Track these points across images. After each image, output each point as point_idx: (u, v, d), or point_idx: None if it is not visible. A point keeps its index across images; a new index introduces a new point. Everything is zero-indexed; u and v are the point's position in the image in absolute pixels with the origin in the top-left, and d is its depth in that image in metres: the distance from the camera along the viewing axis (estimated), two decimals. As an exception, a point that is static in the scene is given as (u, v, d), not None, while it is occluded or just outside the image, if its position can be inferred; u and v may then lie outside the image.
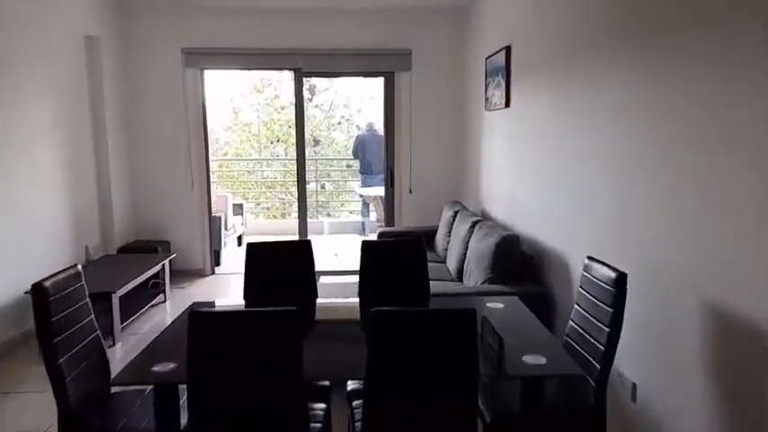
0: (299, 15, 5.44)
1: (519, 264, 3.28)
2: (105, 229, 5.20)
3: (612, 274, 2.01)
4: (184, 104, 5.51)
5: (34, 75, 4.16)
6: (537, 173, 3.52)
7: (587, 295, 2.17)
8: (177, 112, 5.53)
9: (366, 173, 8.08)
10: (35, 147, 4.20)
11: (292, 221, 7.23)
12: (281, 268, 2.62)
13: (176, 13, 5.39)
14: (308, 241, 2.70)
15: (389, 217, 5.91)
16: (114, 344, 3.92)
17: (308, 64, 5.57)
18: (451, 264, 4.15)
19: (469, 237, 3.86)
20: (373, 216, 8.06)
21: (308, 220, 6.19)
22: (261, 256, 2.62)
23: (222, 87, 10.23)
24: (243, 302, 2.65)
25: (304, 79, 5.79)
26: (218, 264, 6.19)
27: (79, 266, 2.19)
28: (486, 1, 4.82)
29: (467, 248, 3.86)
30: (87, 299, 2.22)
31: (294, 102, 5.76)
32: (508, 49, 4.02)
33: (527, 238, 3.62)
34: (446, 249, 4.48)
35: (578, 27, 2.86)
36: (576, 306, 2.27)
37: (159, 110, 5.56)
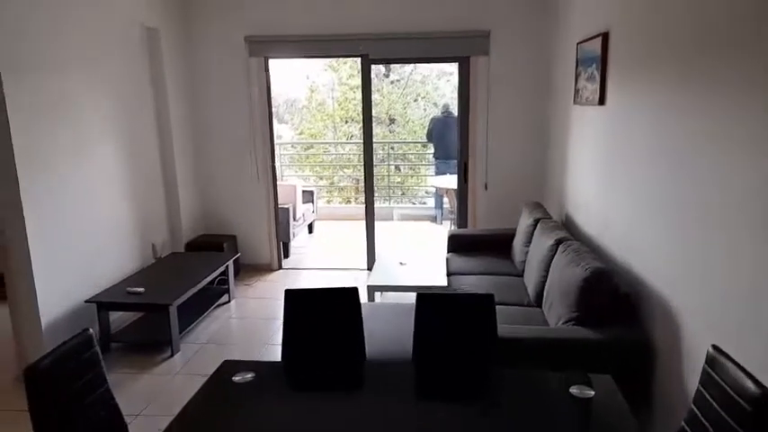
0: (366, -3, 5.02)
1: (610, 301, 2.77)
2: (173, 225, 5.17)
3: (754, 390, 1.44)
4: (248, 94, 5.31)
5: (97, 68, 4.07)
6: (636, 190, 2.94)
7: (711, 402, 1.61)
8: (242, 102, 5.34)
9: (440, 158, 7.62)
10: (102, 142, 4.16)
11: (362, 206, 6.98)
12: (324, 321, 2.31)
13: (239, 0, 5.14)
14: (354, 290, 2.35)
15: (462, 215, 5.46)
16: (173, 354, 3.86)
17: (376, 50, 5.15)
18: (530, 282, 3.68)
19: (552, 257, 3.37)
20: (447, 203, 7.62)
21: (379, 204, 5.87)
22: (301, 305, 2.32)
23: (297, 66, 10.05)
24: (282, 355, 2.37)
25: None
26: (286, 255, 6.08)
27: (90, 331, 1.95)
28: (578, -27, 4.14)
29: (548, 270, 3.37)
30: (105, 380, 1.96)
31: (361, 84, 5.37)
32: (605, 36, 3.38)
33: (619, 265, 3.07)
34: (524, 262, 4.01)
35: (715, 15, 2.22)
36: (693, 408, 1.70)
37: (223, 101, 5.40)
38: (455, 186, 6.13)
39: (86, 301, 3.82)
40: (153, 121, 4.89)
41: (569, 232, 3.68)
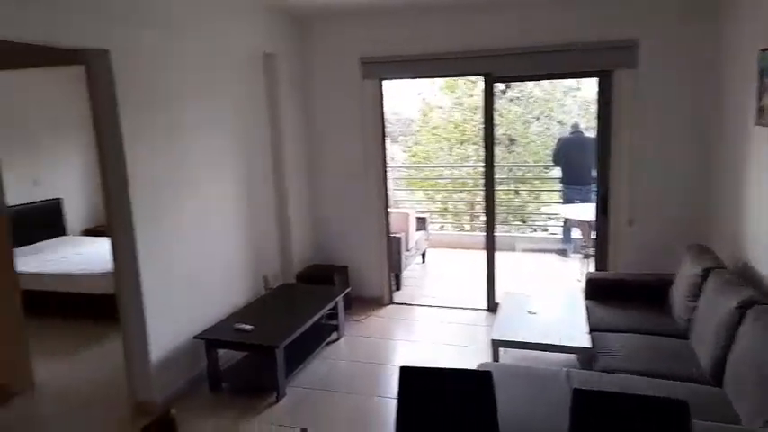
0: (487, 11, 4.54)
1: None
2: (284, 255, 5.01)
3: None
4: (361, 119, 5.04)
5: (215, 98, 4.02)
6: None
7: None
8: (354, 127, 5.09)
9: (569, 183, 6.87)
10: (217, 171, 4.08)
11: (479, 235, 6.45)
12: (448, 407, 1.84)
13: (354, 21, 4.91)
14: (488, 374, 1.86)
15: (600, 254, 4.70)
16: (279, 399, 3.59)
17: (500, 67, 4.64)
18: (702, 349, 2.94)
19: (737, 323, 2.63)
20: (576, 233, 6.82)
21: (497, 233, 5.30)
22: (419, 386, 1.87)
23: (410, 86, 9.78)
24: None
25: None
26: (398, 287, 5.71)
27: (173, 411, 1.66)
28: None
29: (731, 339, 2.64)
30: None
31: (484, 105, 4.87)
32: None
33: None
34: (690, 321, 3.25)
35: None
36: None
37: (336, 126, 5.19)
38: (589, 218, 5.41)
39: (195, 338, 3.69)
40: (268, 149, 4.78)
41: (755, 289, 2.89)
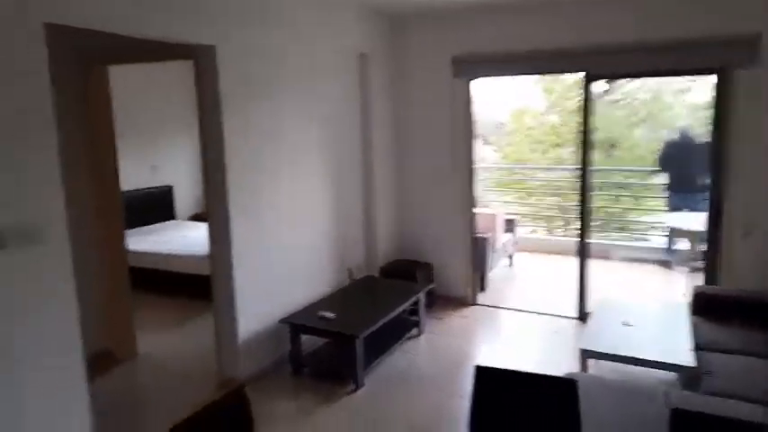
0: (584, 3, 4.31)
1: None
2: (369, 248, 5.06)
3: None
4: (451, 118, 4.98)
5: (313, 93, 4.16)
6: None
7: None
8: (443, 126, 5.04)
9: (676, 190, 6.37)
10: (309, 165, 4.20)
11: (571, 240, 6.15)
12: (525, 413, 1.75)
13: (448, 20, 4.85)
14: (573, 382, 1.74)
15: (711, 268, 4.28)
16: (357, 388, 3.63)
17: (599, 64, 4.38)
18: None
19: None
20: (682, 244, 6.30)
21: (591, 240, 5.01)
22: (496, 388, 1.79)
23: (503, 87, 9.54)
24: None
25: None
26: (483, 288, 5.57)
27: (244, 386, 1.69)
28: None
29: None
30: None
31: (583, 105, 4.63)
32: None
33: None
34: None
35: None
36: None
37: (425, 124, 5.16)
38: (698, 227, 4.98)
39: (280, 321, 3.81)
40: (358, 144, 4.86)
41: None
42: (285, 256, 3.97)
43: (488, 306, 5.24)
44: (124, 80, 4.90)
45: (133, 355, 4.16)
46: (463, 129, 4.98)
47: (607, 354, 3.12)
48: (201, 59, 3.33)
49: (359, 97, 4.79)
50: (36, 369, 2.33)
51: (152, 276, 5.44)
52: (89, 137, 3.89)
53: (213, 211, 3.52)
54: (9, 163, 2.23)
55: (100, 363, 3.80)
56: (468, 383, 3.64)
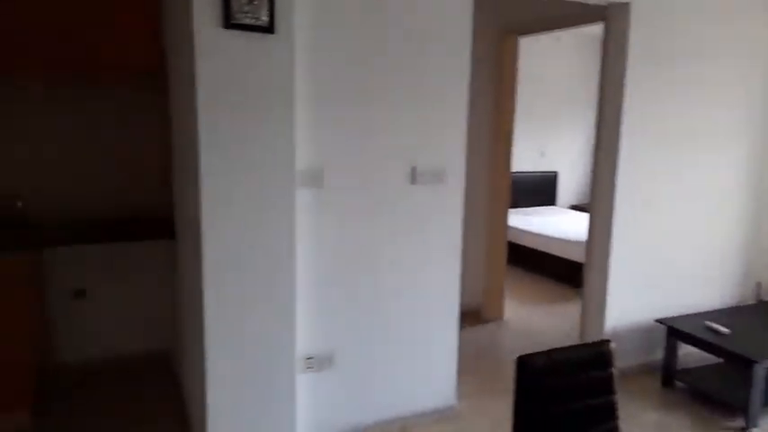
0: None
1: None
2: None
3: None
4: None
5: (737, 57, 3.54)
6: None
7: None
8: None
9: None
10: (719, 151, 3.60)
11: None
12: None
13: None
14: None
15: None
16: (748, 428, 2.89)
17: None
18: None
19: None
20: None
21: None
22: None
23: None
24: None
25: None
26: None
27: (612, 345, 1.45)
28: None
29: None
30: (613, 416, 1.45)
31: None
32: None
33: None
34: None
35: None
36: None
37: None
38: None
39: (656, 321, 3.37)
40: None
41: None
42: (667, 254, 3.50)
43: None
44: (526, 57, 5.04)
45: (499, 317, 4.40)
46: None
47: None
48: (613, 19, 3.17)
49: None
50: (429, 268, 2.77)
51: (525, 254, 5.64)
52: (493, 108, 4.20)
53: (597, 200, 3.38)
54: (436, 118, 2.63)
55: (468, 319, 4.12)
56: None
